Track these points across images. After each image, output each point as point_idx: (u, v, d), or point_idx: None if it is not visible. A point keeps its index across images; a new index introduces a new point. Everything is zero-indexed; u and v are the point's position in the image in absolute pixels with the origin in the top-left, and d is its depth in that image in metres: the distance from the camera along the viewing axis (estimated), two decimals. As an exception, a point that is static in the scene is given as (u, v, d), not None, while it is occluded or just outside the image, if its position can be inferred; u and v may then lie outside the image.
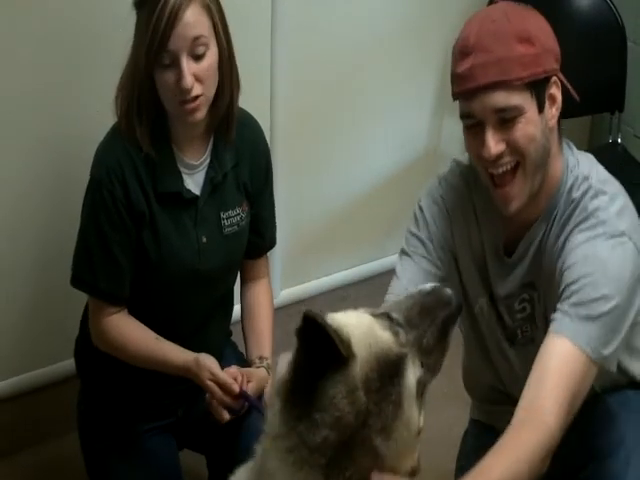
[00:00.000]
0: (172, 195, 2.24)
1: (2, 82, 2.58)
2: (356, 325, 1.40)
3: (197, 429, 2.41)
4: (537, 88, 1.87)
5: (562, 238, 1.92)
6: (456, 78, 1.89)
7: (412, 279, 2.00)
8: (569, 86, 1.95)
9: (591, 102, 3.54)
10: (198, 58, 2.11)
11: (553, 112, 1.92)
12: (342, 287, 3.51)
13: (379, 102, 3.38)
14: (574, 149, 2.02)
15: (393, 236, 3.64)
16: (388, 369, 1.39)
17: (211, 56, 2.14)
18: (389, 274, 3.58)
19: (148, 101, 2.17)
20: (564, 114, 3.46)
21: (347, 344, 1.35)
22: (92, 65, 2.65)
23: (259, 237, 2.43)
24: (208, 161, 2.28)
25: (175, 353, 2.27)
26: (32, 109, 2.64)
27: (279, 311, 2.86)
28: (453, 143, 3.61)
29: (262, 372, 2.33)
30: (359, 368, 1.36)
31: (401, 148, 3.52)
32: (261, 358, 2.36)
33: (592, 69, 3.42)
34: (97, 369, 2.40)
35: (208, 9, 2.12)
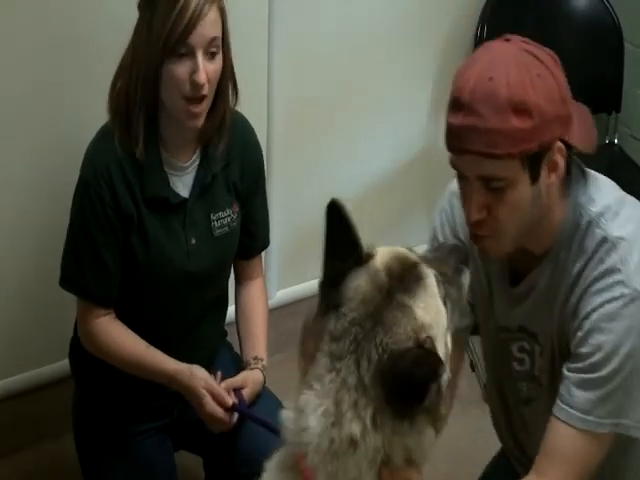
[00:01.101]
0: (160, 199, 2.24)
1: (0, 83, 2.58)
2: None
3: (193, 430, 2.41)
4: (531, 160, 1.69)
5: (576, 294, 1.78)
6: (447, 125, 1.73)
7: None
8: (577, 146, 1.76)
9: (588, 103, 3.53)
10: (210, 60, 2.12)
11: (552, 179, 1.74)
12: (339, 287, 3.51)
13: (376, 103, 3.38)
14: (588, 176, 1.83)
15: (391, 236, 3.64)
16: (408, 265, 1.50)
17: (219, 61, 2.15)
18: (386, 274, 3.63)
19: (149, 98, 2.17)
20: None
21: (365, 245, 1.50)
22: (89, 68, 2.65)
23: (251, 238, 2.43)
24: (197, 163, 2.27)
25: (167, 361, 2.27)
26: (33, 112, 2.64)
27: (275, 312, 2.86)
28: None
29: (257, 374, 2.34)
30: (380, 260, 1.49)
31: (398, 149, 3.52)
32: (256, 359, 2.36)
33: (589, 69, 3.44)
34: (91, 370, 2.40)
35: (222, 14, 2.15)
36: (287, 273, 3.33)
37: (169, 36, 2.08)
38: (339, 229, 1.49)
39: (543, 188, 1.73)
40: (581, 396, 1.73)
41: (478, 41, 3.42)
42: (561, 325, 1.82)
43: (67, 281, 2.31)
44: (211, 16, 2.10)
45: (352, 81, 3.29)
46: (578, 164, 1.83)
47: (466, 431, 3.06)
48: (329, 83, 3.23)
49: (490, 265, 1.93)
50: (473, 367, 3.29)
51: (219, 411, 2.22)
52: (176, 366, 2.26)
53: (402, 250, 1.54)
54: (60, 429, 2.78)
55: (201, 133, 2.24)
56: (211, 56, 2.12)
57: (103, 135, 2.25)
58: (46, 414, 2.89)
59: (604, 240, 1.76)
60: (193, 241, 2.28)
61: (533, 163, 1.69)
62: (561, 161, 1.73)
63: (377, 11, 3.26)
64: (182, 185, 2.27)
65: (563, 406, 1.76)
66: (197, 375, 2.24)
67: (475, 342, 2.05)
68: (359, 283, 1.47)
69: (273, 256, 3.11)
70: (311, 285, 3.54)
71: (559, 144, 1.71)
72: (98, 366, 2.35)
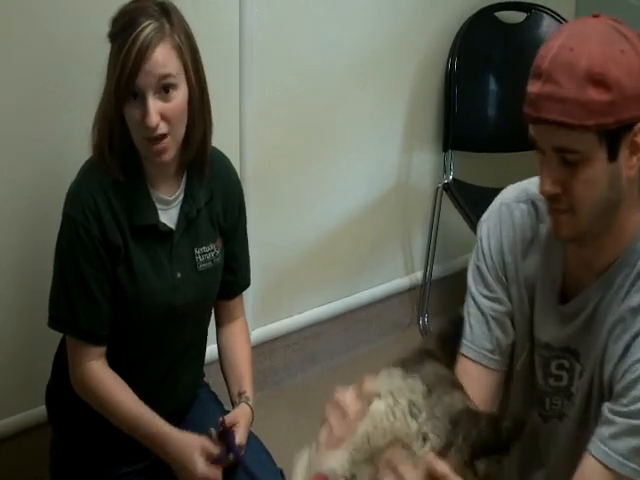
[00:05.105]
0: (148, 228, 2.22)
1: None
2: None
3: (172, 474, 2.37)
4: (609, 136, 1.65)
5: (630, 330, 1.73)
6: (527, 95, 1.71)
7: (474, 325, 1.93)
8: None
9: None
10: (166, 97, 2.10)
11: (633, 162, 1.69)
12: (315, 324, 3.50)
13: (348, 137, 3.39)
14: None
15: (365, 271, 3.64)
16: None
17: (180, 96, 2.12)
18: (362, 310, 3.64)
19: (121, 135, 2.16)
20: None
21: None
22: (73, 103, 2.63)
23: (233, 275, 2.42)
24: (182, 196, 2.27)
25: (164, 424, 2.26)
26: (24, 142, 2.62)
27: (252, 351, 2.83)
28: (423, 178, 3.63)
29: (245, 409, 2.33)
30: None
31: (371, 183, 3.52)
32: (240, 394, 2.36)
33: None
34: (69, 414, 2.37)
35: (178, 49, 2.11)
36: (263, 311, 3.32)
37: (120, 77, 2.07)
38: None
39: (624, 170, 1.69)
40: (625, 442, 1.68)
41: (448, 76, 3.45)
42: (607, 353, 1.77)
43: (57, 321, 2.26)
44: (159, 54, 2.07)
45: (324, 117, 3.30)
46: None
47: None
48: (301, 120, 3.24)
49: (535, 283, 1.90)
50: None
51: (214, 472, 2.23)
52: (172, 430, 2.25)
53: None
54: (36, 477, 2.73)
55: (180, 165, 2.24)
56: (165, 93, 2.09)
57: (87, 170, 2.23)
58: (21, 462, 2.83)
59: None
60: (179, 275, 2.27)
61: (611, 140, 1.65)
62: None
63: (348, 48, 3.27)
64: (168, 219, 2.26)
65: (603, 447, 1.69)
66: (191, 439, 2.24)
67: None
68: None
69: (248, 294, 3.09)
70: (288, 322, 3.57)
71: None
72: (76, 410, 2.32)
